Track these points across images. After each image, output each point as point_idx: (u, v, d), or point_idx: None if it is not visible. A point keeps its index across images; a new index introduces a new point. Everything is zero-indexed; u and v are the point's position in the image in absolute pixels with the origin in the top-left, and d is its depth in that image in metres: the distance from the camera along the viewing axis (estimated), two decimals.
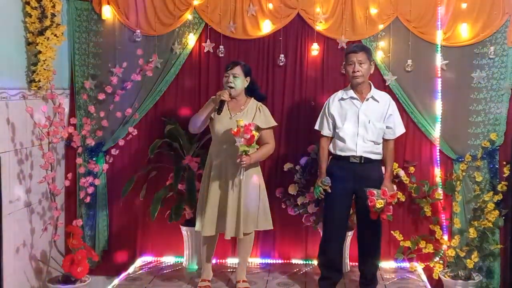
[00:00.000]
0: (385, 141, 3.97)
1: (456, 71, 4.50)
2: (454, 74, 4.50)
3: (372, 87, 3.97)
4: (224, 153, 3.89)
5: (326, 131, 3.99)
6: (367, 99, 3.89)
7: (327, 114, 3.98)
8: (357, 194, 3.91)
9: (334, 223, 3.96)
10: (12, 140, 3.99)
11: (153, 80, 4.65)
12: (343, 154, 3.89)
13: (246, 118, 3.84)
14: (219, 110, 3.80)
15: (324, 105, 4.05)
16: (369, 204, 3.69)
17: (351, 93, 3.92)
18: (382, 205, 3.67)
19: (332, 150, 3.98)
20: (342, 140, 3.88)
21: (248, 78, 3.97)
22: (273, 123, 4.02)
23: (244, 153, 3.72)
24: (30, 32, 4.07)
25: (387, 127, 3.93)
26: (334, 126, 3.95)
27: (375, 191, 3.71)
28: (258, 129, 3.87)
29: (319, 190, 3.91)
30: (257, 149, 3.83)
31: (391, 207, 3.75)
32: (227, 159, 3.88)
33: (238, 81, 3.89)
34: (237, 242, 4.08)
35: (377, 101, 3.91)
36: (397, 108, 4.53)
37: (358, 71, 3.82)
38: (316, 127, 4.07)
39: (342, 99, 3.94)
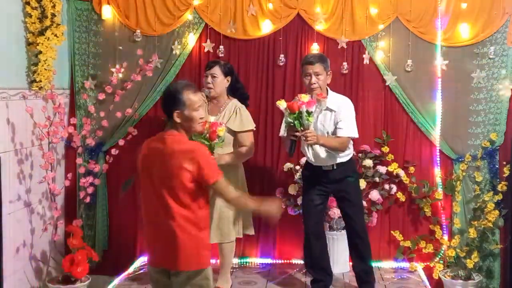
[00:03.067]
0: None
1: (456, 71, 4.50)
2: (454, 74, 4.50)
3: (329, 96, 3.84)
4: None
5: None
6: (322, 111, 3.81)
7: (285, 123, 3.83)
8: (337, 195, 3.95)
9: (313, 228, 3.97)
10: (12, 140, 3.99)
11: (153, 80, 4.65)
12: (315, 164, 3.89)
13: (221, 120, 3.74)
14: None
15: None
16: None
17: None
18: (308, 99, 3.51)
19: (305, 158, 4.01)
20: (308, 152, 3.86)
21: (229, 78, 3.89)
22: (249, 126, 3.89)
23: (209, 149, 3.52)
24: (30, 32, 4.07)
25: (336, 127, 3.79)
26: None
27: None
28: (230, 131, 3.76)
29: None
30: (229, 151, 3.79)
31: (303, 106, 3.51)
32: None
33: (217, 81, 3.82)
34: (218, 250, 4.00)
35: (334, 111, 3.80)
36: (397, 108, 4.56)
37: (314, 83, 3.76)
38: (281, 134, 3.97)
39: None
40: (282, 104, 3.57)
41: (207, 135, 3.54)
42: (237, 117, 3.86)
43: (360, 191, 4.13)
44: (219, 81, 3.84)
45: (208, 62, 4.04)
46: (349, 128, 3.80)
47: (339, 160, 3.86)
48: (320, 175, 3.89)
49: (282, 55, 4.61)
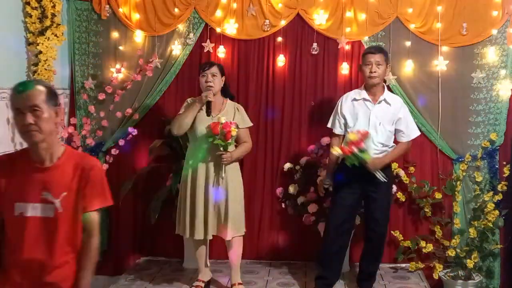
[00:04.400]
0: (398, 142, 3.98)
1: (456, 71, 4.50)
2: (454, 74, 4.50)
3: (386, 90, 3.97)
4: (206, 153, 3.84)
5: (338, 130, 3.98)
6: (379, 102, 3.89)
7: (339, 113, 3.97)
8: (365, 196, 3.91)
9: (337, 223, 3.93)
10: (12, 140, 3.98)
11: (153, 80, 4.65)
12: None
13: (227, 117, 3.83)
14: (208, 112, 3.81)
15: (337, 104, 4.03)
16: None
17: (364, 94, 3.91)
18: (355, 138, 3.64)
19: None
20: None
21: (224, 78, 3.95)
22: (250, 123, 4.04)
23: (222, 148, 3.74)
24: (30, 32, 4.07)
25: (396, 130, 3.92)
26: (346, 126, 3.95)
27: (359, 132, 3.74)
28: (237, 128, 3.85)
29: (321, 189, 3.94)
30: (235, 147, 3.88)
31: (354, 149, 3.65)
32: (208, 159, 3.83)
33: (216, 80, 3.87)
34: (226, 246, 4.03)
35: (389, 104, 3.90)
36: None
37: (375, 71, 3.82)
38: (329, 125, 4.06)
39: (355, 99, 3.93)
40: (338, 151, 3.70)
41: (222, 136, 3.67)
42: (239, 114, 3.95)
43: (390, 194, 4.11)
44: (218, 80, 3.88)
45: (204, 63, 4.05)
46: (413, 131, 3.98)
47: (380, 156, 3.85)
48: (355, 172, 3.79)
49: (282, 55, 4.61)
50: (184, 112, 3.86)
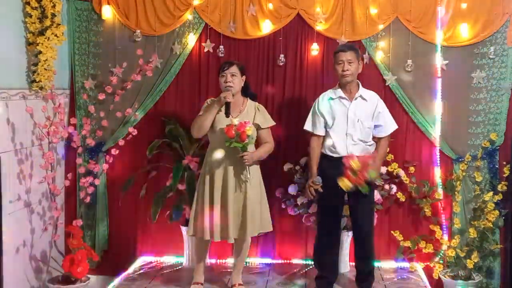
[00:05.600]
0: (378, 139, 3.98)
1: (456, 71, 4.50)
2: (454, 74, 4.50)
3: (360, 86, 3.97)
4: (226, 155, 3.83)
5: (320, 131, 3.96)
6: (356, 98, 3.91)
7: (317, 113, 3.96)
8: (349, 194, 3.91)
9: (327, 222, 3.99)
10: (12, 140, 3.99)
11: (153, 80, 4.65)
12: (334, 155, 3.89)
13: (247, 118, 3.81)
14: (227, 113, 3.75)
15: (313, 105, 4.03)
16: (346, 166, 3.66)
17: (339, 92, 3.93)
18: (358, 167, 3.62)
19: (323, 151, 3.99)
20: (332, 140, 3.89)
21: (244, 77, 3.93)
22: (272, 122, 4.02)
23: (241, 150, 3.71)
24: (30, 32, 4.07)
25: (376, 125, 3.93)
26: (325, 125, 3.95)
27: (355, 157, 3.70)
28: (258, 128, 3.86)
29: (311, 191, 3.91)
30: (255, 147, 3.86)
31: (366, 176, 3.66)
32: (229, 160, 3.82)
33: (236, 80, 3.83)
34: (233, 246, 4.04)
35: (366, 100, 3.92)
36: (397, 108, 4.55)
37: (347, 70, 3.84)
38: (307, 127, 4.01)
39: (331, 98, 3.95)
40: (348, 185, 3.67)
41: (238, 138, 3.63)
42: (260, 114, 3.94)
43: (373, 192, 4.12)
44: (238, 80, 3.85)
45: (223, 63, 3.98)
46: (391, 125, 4.01)
47: (361, 153, 3.85)
48: (338, 168, 3.80)
49: (282, 55, 4.61)
50: (203, 114, 3.83)
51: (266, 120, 3.97)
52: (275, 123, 4.08)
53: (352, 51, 3.88)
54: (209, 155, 3.90)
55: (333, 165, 3.85)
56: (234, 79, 3.82)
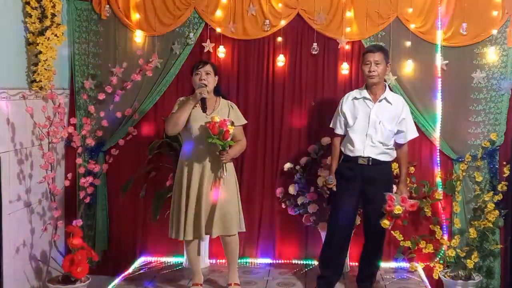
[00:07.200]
0: (398, 145, 3.99)
1: (456, 71, 4.50)
2: (454, 74, 4.50)
3: (387, 89, 3.99)
4: (201, 153, 3.80)
5: (339, 130, 4.00)
6: (380, 100, 3.90)
7: (339, 112, 4.00)
8: (364, 195, 3.91)
9: (339, 222, 3.95)
10: (12, 140, 3.99)
11: (153, 80, 4.65)
12: (351, 154, 3.89)
13: (221, 115, 3.79)
14: (203, 108, 3.78)
15: (339, 103, 4.05)
16: (387, 208, 3.69)
17: (364, 93, 3.92)
18: (401, 212, 3.67)
19: (342, 150, 4.00)
20: (351, 139, 3.89)
21: (217, 77, 3.94)
22: (244, 121, 4.02)
23: (222, 148, 3.70)
24: (30, 32, 4.07)
25: (398, 130, 3.93)
26: (346, 125, 3.96)
27: (394, 197, 3.71)
28: (232, 125, 3.82)
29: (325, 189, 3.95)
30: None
31: (407, 214, 3.79)
32: (205, 158, 3.79)
33: (210, 78, 3.85)
34: (223, 246, 4.01)
35: (390, 103, 3.91)
36: None
37: (374, 71, 3.83)
38: (331, 125, 4.09)
39: (355, 98, 3.95)
40: (388, 225, 3.75)
41: (221, 136, 3.62)
42: (234, 112, 3.94)
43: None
44: (212, 78, 3.87)
45: (198, 61, 4.00)
46: (412, 132, 4.02)
47: (380, 158, 3.86)
48: (353, 169, 3.86)
49: (282, 55, 4.61)
50: (178, 110, 3.81)
51: (239, 118, 3.97)
52: (246, 122, 4.07)
53: (381, 52, 3.87)
54: (183, 154, 3.89)
55: (350, 165, 3.88)
56: (208, 77, 3.84)
